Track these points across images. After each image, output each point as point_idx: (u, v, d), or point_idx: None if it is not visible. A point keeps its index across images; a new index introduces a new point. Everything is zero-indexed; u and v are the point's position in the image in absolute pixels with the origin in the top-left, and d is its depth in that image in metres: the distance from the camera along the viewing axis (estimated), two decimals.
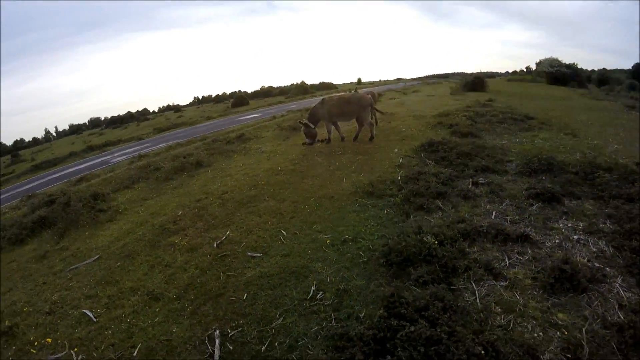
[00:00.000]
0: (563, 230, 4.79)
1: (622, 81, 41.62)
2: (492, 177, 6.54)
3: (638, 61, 51.09)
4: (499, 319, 3.32)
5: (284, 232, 5.31)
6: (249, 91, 55.02)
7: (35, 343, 4.11)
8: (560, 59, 38.00)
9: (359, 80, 57.78)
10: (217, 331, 3.62)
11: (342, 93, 10.41)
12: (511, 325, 3.25)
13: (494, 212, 5.23)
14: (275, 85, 56.30)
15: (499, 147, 8.36)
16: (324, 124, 10.07)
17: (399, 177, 6.68)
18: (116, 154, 21.89)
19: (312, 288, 3.98)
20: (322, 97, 10.32)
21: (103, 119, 58.72)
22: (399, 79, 62.43)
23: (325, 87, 52.03)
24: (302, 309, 3.73)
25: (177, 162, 10.67)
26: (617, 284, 3.79)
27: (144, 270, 5.22)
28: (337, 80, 64.02)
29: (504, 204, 5.54)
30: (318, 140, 10.29)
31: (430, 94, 23.08)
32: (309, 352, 3.20)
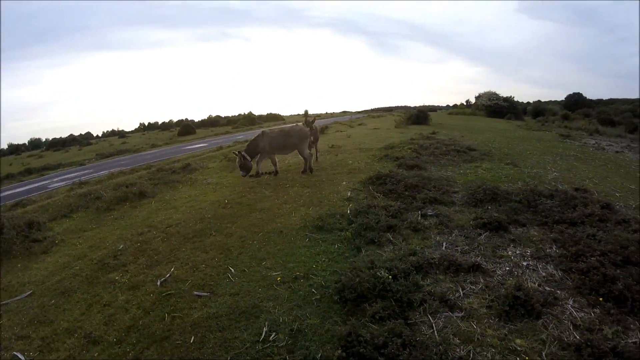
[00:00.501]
0: (512, 257, 5.02)
1: (556, 112, 45.05)
2: (440, 208, 6.78)
3: (570, 93, 55.99)
4: (458, 350, 3.38)
5: (232, 269, 5.15)
6: (196, 120, 54.76)
7: None
8: (498, 92, 40.91)
9: (306, 112, 59.22)
10: None
11: (282, 126, 10.56)
12: (471, 355, 3.32)
13: (444, 244, 5.38)
14: (222, 115, 56.37)
15: (444, 179, 8.73)
16: (268, 156, 10.10)
17: (348, 211, 6.74)
18: (55, 179, 21.01)
19: (264, 329, 3.84)
20: (262, 130, 10.53)
21: (44, 140, 55.90)
22: (344, 112, 64.40)
23: (272, 118, 52.74)
24: (255, 352, 3.57)
25: (120, 191, 10.43)
26: (569, 306, 4.01)
27: (81, 310, 4.87)
28: (284, 111, 65.18)
29: (453, 234, 5.74)
30: (264, 172, 10.28)
31: (376, 127, 23.88)
32: None
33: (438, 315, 3.83)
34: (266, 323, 3.95)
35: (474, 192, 7.38)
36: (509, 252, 5.14)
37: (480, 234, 5.67)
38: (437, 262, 4.73)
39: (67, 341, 4.28)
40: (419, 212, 6.54)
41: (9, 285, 6.08)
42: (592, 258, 4.71)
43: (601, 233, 5.55)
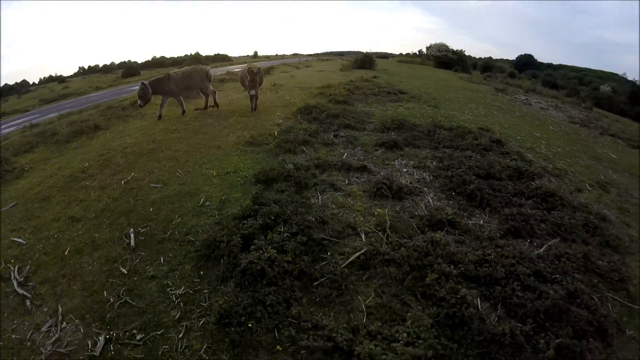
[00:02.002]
0: (396, 165, 6.97)
1: (504, 70, 47.82)
2: (352, 132, 8.67)
3: (521, 54, 59.36)
4: (332, 210, 5.23)
5: (180, 171, 6.79)
6: (140, 61, 53.23)
7: None
8: (449, 45, 42.93)
9: (255, 53, 58.83)
10: (132, 230, 5.04)
11: (185, 68, 11.56)
12: (341, 213, 5.17)
13: (345, 154, 7.29)
14: (167, 56, 55.17)
15: (365, 112, 10.60)
16: (175, 98, 11.29)
17: (275, 132, 8.40)
18: (2, 126, 20.83)
19: (202, 199, 5.57)
20: (167, 73, 11.41)
21: None
22: (295, 54, 64.42)
23: (220, 59, 52.22)
24: (195, 212, 5.35)
25: (75, 126, 11.37)
26: (429, 197, 5.97)
27: (61, 206, 6.30)
28: (232, 52, 64.19)
29: (356, 149, 7.64)
30: (200, 108, 11.73)
31: (321, 69, 25.37)
32: (199, 233, 4.79)
33: (325, 193, 5.71)
34: (203, 197, 5.70)
35: (384, 122, 9.28)
36: (395, 162, 7.08)
37: (377, 150, 7.59)
38: (334, 164, 6.61)
39: (54, 225, 5.76)
40: (333, 133, 8.37)
41: None
42: (459, 169, 6.70)
43: (479, 156, 7.60)
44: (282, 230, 4.39)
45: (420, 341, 3.29)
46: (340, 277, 3.95)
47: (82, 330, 3.73)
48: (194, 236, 4.76)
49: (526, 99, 22.32)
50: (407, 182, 6.32)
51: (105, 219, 5.59)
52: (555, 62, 64.69)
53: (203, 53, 51.96)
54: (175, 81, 10.97)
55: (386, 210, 5.37)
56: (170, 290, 3.94)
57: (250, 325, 3.35)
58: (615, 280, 4.65)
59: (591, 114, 22.30)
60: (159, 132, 9.50)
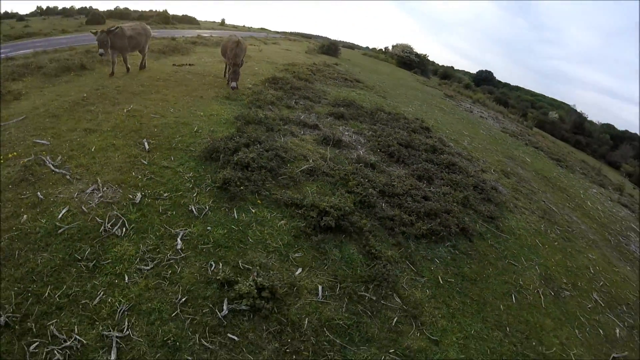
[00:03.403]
0: (340, 129, 9.52)
1: (462, 80, 51.80)
2: (310, 103, 11.26)
3: (481, 69, 64.09)
4: (290, 148, 7.68)
5: (172, 109, 8.95)
6: (101, 9, 52.96)
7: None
8: (413, 47, 46.27)
9: (223, 21, 59.92)
10: (145, 140, 7.23)
11: (133, 23, 12.69)
12: (297, 148, 7.68)
13: (302, 116, 9.81)
14: (131, 8, 55.12)
15: (322, 90, 13.24)
16: (122, 54, 11.79)
17: (247, 93, 10.78)
18: None
19: (195, 128, 7.89)
20: (118, 26, 11.40)
21: None
22: (263, 29, 65.90)
23: (187, 20, 53.02)
24: (191, 135, 7.58)
25: (61, 63, 12.35)
26: (361, 151, 8.56)
27: (73, 122, 7.97)
28: (199, 16, 64.79)
29: (311, 114, 10.18)
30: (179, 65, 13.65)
31: (287, 49, 27.80)
32: (197, 146, 7.10)
33: (286, 137, 8.18)
34: (196, 126, 7.96)
35: (336, 100, 11.95)
36: (340, 127, 9.65)
37: (327, 117, 10.19)
38: (293, 120, 9.15)
39: (70, 134, 7.46)
40: (294, 100, 10.91)
41: (9, 111, 8.55)
42: (387, 138, 9.38)
43: (405, 133, 10.33)
44: (259, 147, 6.83)
45: (343, 203, 5.83)
46: (295, 176, 6.46)
47: (121, 191, 5.79)
48: (194, 147, 7.08)
49: (470, 107, 25.60)
50: (346, 139, 8.90)
51: (117, 132, 7.54)
52: (512, 83, 70.19)
53: (170, 12, 52.75)
54: (129, 37, 11.55)
55: (328, 150, 7.94)
56: (182, 173, 6.23)
57: (241, 188, 5.77)
58: (486, 216, 7.51)
59: (525, 130, 25.76)
60: (145, 79, 11.47)
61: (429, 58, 49.95)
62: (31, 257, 4.09)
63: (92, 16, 43.24)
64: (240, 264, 4.44)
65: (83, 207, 5.04)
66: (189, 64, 13.88)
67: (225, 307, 3.85)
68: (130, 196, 5.50)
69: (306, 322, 4.02)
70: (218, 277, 4.17)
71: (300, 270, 4.64)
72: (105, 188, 5.63)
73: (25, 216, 4.64)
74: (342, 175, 6.84)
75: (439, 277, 5.36)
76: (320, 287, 4.44)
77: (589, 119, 50.70)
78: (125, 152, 6.68)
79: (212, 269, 4.34)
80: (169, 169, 6.26)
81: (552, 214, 9.80)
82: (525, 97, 58.67)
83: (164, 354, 3.41)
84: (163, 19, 45.67)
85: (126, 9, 57.42)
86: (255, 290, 4.00)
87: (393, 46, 51.30)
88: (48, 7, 60.95)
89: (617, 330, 6.50)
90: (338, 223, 5.38)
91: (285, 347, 3.72)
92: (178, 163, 6.47)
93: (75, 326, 3.46)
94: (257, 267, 4.45)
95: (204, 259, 4.45)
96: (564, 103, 59.03)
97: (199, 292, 4.04)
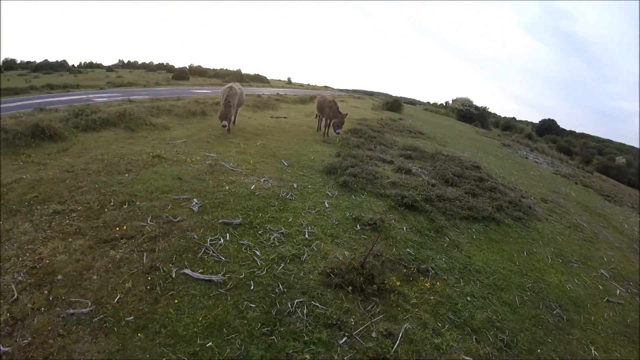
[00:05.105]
0: (409, 164, 13.62)
1: (524, 130, 54.84)
2: (384, 147, 15.77)
3: (545, 118, 66.91)
4: (378, 172, 11.77)
5: (288, 146, 13.48)
6: (176, 65, 60.49)
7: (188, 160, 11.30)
8: (472, 100, 50.63)
9: (289, 79, 67.20)
10: (282, 160, 11.57)
11: (235, 85, 15.62)
12: (380, 173, 11.73)
13: (381, 155, 14.09)
14: (203, 66, 62.53)
15: (392, 139, 17.83)
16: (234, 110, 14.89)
17: (338, 139, 15.20)
18: (91, 96, 23.86)
19: (311, 157, 12.34)
20: (231, 85, 15.22)
21: (19, 62, 57.64)
22: (326, 87, 71.86)
23: (258, 79, 59.79)
24: (310, 161, 12.02)
25: (185, 109, 16.85)
26: (425, 177, 12.64)
27: (224, 147, 12.27)
28: (269, 75, 72.41)
29: (387, 155, 14.49)
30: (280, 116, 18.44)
31: (355, 105, 33.43)
32: (318, 166, 11.45)
33: (372, 167, 12.34)
34: (312, 156, 12.29)
35: (404, 145, 16.30)
36: (410, 164, 13.76)
37: (399, 157, 14.42)
38: (376, 158, 13.47)
39: (227, 153, 11.91)
40: (372, 145, 15.32)
41: (162, 138, 13.22)
42: (444, 171, 13.36)
43: (458, 169, 14.25)
44: (355, 170, 11.04)
45: (415, 195, 9.71)
46: (384, 185, 10.59)
47: (282, 182, 9.76)
48: (315, 167, 11.36)
49: (526, 154, 28.90)
50: (414, 170, 12.97)
51: (261, 155, 11.89)
52: (577, 130, 72.13)
53: (244, 70, 60.02)
54: (239, 96, 14.98)
55: (402, 174, 12.03)
56: (314, 178, 10.38)
57: (355, 185, 10.07)
58: (515, 217, 10.95)
59: (580, 173, 28.16)
60: (258, 125, 16.29)
61: (489, 110, 54.08)
62: (242, 203, 8.06)
63: (178, 72, 49.81)
64: (360, 215, 8.49)
65: (264, 186, 9.22)
66: (284, 117, 18.86)
67: (358, 226, 8.02)
68: (290, 185, 9.62)
69: (398, 236, 8.04)
70: (352, 217, 8.35)
71: (393, 220, 8.66)
72: (271, 180, 9.71)
73: (227, 187, 8.73)
74: (413, 186, 10.91)
75: (473, 235, 9.20)
76: (405, 227, 8.49)
77: None
78: (273, 166, 10.95)
79: (347, 214, 8.46)
80: (305, 176, 10.53)
81: (580, 227, 12.69)
82: (592, 144, 60.67)
83: (330, 238, 7.40)
84: (238, 77, 51.89)
85: (199, 66, 64.27)
86: (370, 222, 8.14)
87: (453, 100, 55.84)
88: (129, 61, 68.59)
89: (618, 291, 8.87)
90: (412, 204, 9.43)
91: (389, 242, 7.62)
92: (309, 173, 10.79)
93: (282, 227, 7.43)
94: (372, 215, 8.49)
95: (342, 212, 8.58)
96: (633, 147, 60.70)
97: (342, 220, 8.17)
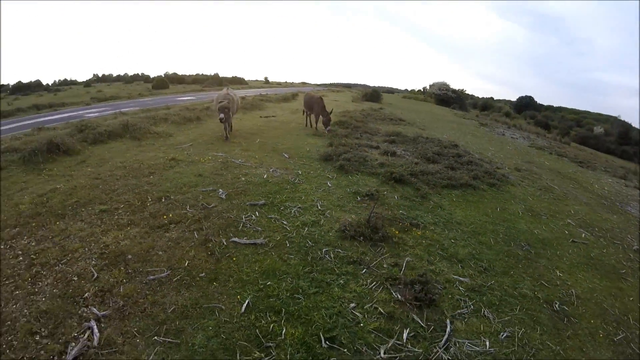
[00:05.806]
0: (395, 149, 15.47)
1: (502, 109, 57.03)
2: (369, 135, 17.71)
3: (522, 95, 69.21)
4: (367, 156, 13.60)
5: (284, 140, 15.26)
6: (151, 75, 61.32)
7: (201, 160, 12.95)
8: (449, 83, 52.55)
9: (266, 79, 68.54)
10: (283, 153, 13.25)
11: (228, 90, 16.18)
12: (368, 156, 13.56)
13: (367, 142, 15.96)
14: (179, 73, 63.51)
15: (375, 128, 19.70)
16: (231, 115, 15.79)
17: (326, 131, 17.00)
18: (81, 112, 25.22)
19: (307, 149, 14.12)
20: (227, 90, 15.82)
21: None
22: (304, 83, 73.18)
23: (237, 81, 60.99)
24: (306, 152, 13.78)
25: (180, 116, 18.38)
26: (408, 157, 14.46)
27: (229, 146, 13.89)
28: (246, 76, 73.60)
29: (372, 141, 16.38)
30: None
31: (335, 99, 35.50)
32: (315, 155, 13.21)
33: (362, 153, 14.13)
34: (308, 148, 14.04)
35: (387, 132, 18.25)
36: (393, 148, 15.63)
37: (383, 142, 16.34)
38: (363, 145, 15.33)
39: (233, 151, 13.43)
40: (359, 134, 17.20)
41: (170, 143, 14.73)
42: (425, 151, 15.25)
43: (438, 148, 16.17)
44: (347, 155, 12.84)
45: (402, 171, 11.58)
46: (374, 166, 12.42)
47: (288, 171, 11.42)
48: (313, 156, 13.11)
49: (503, 131, 31.00)
50: (398, 152, 14.82)
51: (263, 150, 13.56)
52: (555, 104, 74.60)
53: (221, 74, 61.31)
54: (236, 102, 16.32)
55: (388, 157, 13.87)
56: (314, 166, 12.08)
57: (350, 168, 11.87)
58: (490, 183, 12.91)
59: (557, 145, 30.29)
60: (252, 125, 18.04)
61: (466, 92, 56.12)
62: (260, 189, 9.72)
63: (158, 81, 50.96)
64: (358, 189, 10.31)
65: (274, 175, 10.93)
66: (272, 116, 20.73)
67: (358, 197, 9.85)
68: (295, 172, 11.35)
69: (392, 202, 9.87)
70: (352, 191, 10.15)
71: (386, 192, 10.47)
72: (279, 170, 11.38)
73: (243, 178, 10.37)
74: (399, 165, 12.77)
75: (453, 198, 11.08)
76: (396, 196, 10.33)
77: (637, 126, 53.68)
78: (277, 158, 12.65)
79: (347, 190, 10.25)
80: (306, 164, 12.27)
81: (551, 189, 14.55)
82: (570, 117, 63.26)
83: (338, 207, 9.15)
84: (217, 81, 53.25)
85: (175, 73, 65.04)
86: (367, 194, 9.96)
87: (430, 85, 57.72)
88: (103, 74, 68.86)
89: (583, 235, 10.52)
90: (400, 178, 11.29)
91: (384, 207, 9.35)
92: (309, 162, 12.54)
93: (298, 203, 9.17)
94: (368, 189, 10.32)
95: (343, 189, 10.38)
96: (610, 116, 63.55)
97: (344, 195, 9.95)
